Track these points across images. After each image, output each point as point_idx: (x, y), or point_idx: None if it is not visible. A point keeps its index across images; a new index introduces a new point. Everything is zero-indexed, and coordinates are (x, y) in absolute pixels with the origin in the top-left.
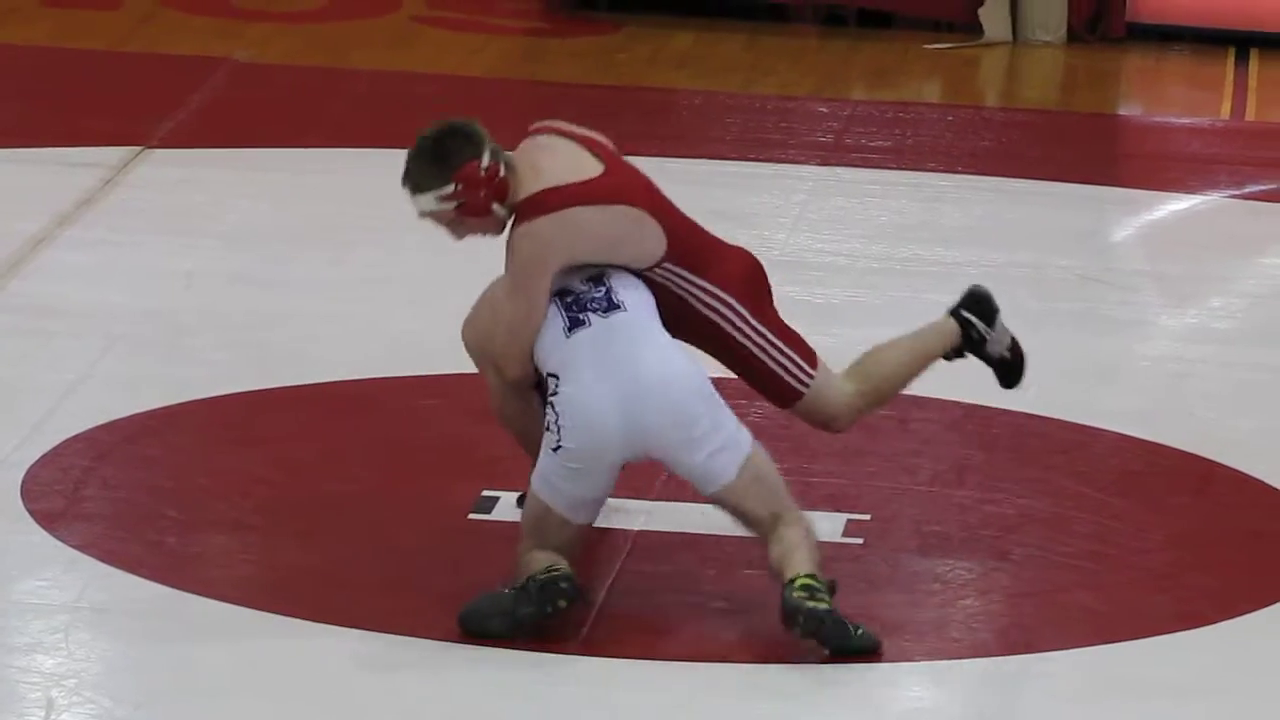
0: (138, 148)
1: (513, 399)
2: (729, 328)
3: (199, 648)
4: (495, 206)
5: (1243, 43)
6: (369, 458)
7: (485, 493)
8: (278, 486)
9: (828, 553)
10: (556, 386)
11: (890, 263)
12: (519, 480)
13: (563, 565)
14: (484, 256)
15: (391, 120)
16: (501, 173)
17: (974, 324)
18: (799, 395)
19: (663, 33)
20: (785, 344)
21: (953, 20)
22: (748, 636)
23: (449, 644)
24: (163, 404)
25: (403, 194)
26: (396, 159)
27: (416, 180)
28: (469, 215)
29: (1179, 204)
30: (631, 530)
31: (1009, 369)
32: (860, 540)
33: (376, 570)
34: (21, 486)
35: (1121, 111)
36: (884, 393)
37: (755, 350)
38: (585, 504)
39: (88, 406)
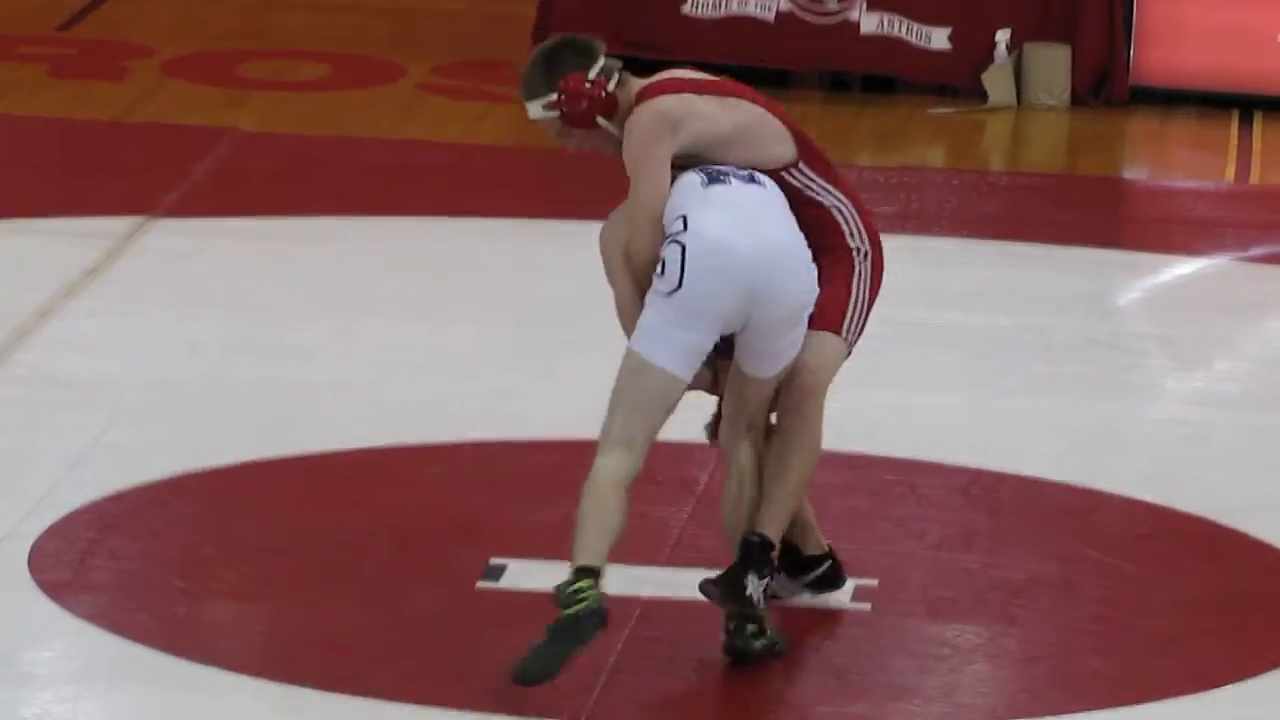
0: (144, 217)
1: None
2: (848, 238)
3: (208, 718)
4: (601, 120)
5: (1247, 105)
6: (376, 526)
7: (493, 561)
8: (285, 556)
9: (835, 618)
10: (684, 224)
11: (896, 327)
12: (526, 547)
13: (589, 593)
14: (491, 328)
15: (396, 188)
16: (610, 87)
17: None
18: (837, 332)
19: None
20: (868, 308)
21: (957, 85)
22: (755, 707)
23: (458, 712)
24: (169, 474)
25: (409, 259)
26: (402, 227)
27: (527, 87)
28: (574, 125)
29: (1185, 267)
30: (640, 597)
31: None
32: (868, 606)
33: (385, 639)
34: (29, 557)
35: (1126, 175)
36: (801, 439)
37: (855, 285)
38: (689, 353)
39: (94, 477)
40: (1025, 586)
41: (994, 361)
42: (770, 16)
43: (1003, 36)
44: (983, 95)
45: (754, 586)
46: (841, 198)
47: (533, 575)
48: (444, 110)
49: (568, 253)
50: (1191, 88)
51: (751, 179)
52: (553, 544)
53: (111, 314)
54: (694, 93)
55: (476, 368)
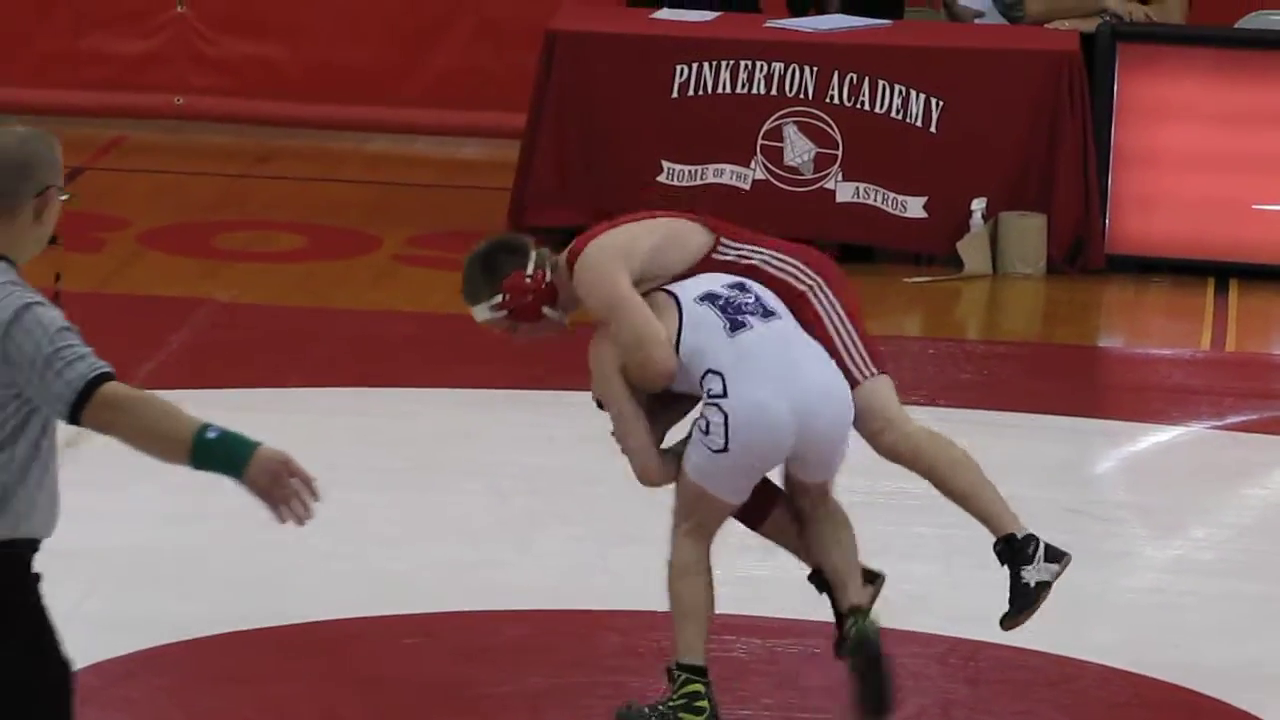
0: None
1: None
2: (795, 282)
3: None
4: (546, 310)
5: (1222, 273)
6: (353, 698)
7: None
8: None
9: None
10: (723, 387)
11: (872, 496)
12: (506, 717)
13: (703, 697)
14: (469, 499)
15: (374, 358)
16: (548, 277)
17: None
18: (855, 383)
19: None
20: (855, 331)
21: (933, 253)
22: None
23: None
24: (144, 646)
25: (386, 430)
26: (380, 398)
27: (470, 293)
28: (521, 320)
29: (1161, 435)
30: None
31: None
32: None
33: None
34: None
35: (1102, 343)
36: (939, 464)
37: (827, 321)
38: (745, 490)
39: (70, 649)
40: None
41: (971, 530)
42: (746, 185)
43: (978, 205)
44: (959, 264)
45: (1034, 574)
46: (767, 250)
47: None
48: (421, 280)
49: (545, 423)
50: (1167, 256)
51: (766, 312)
52: (532, 715)
53: (89, 485)
54: (613, 227)
55: (453, 538)
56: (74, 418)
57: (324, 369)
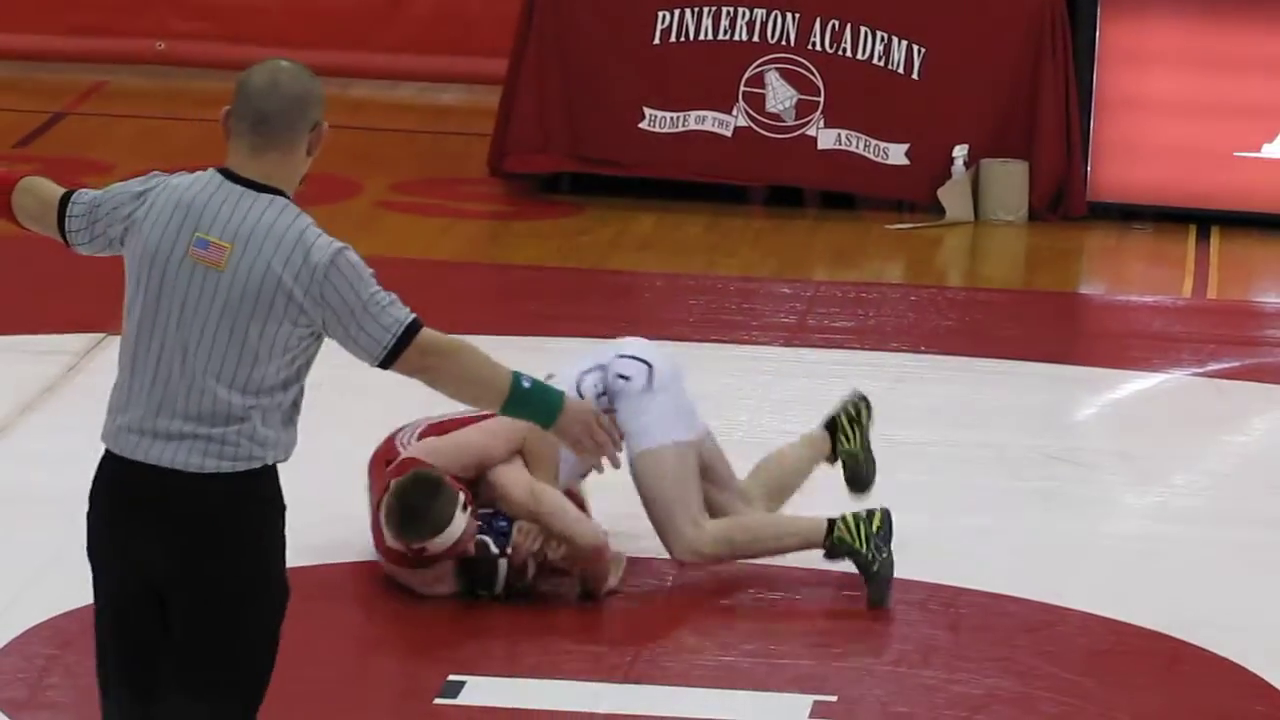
0: (100, 334)
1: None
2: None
3: None
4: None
5: (1204, 220)
6: (333, 643)
7: (451, 677)
8: None
9: None
10: (601, 374)
11: None
12: (485, 664)
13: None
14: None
15: None
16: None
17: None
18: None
19: (625, 215)
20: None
21: (914, 200)
22: None
23: None
24: None
25: (370, 381)
26: None
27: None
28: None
29: (1142, 382)
30: (599, 714)
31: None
32: None
33: None
34: None
35: (1084, 290)
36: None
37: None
38: (689, 412)
39: (52, 594)
40: (984, 702)
41: (952, 477)
42: (728, 132)
43: (960, 152)
44: (940, 211)
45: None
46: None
47: (491, 692)
48: (403, 226)
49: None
50: (1149, 203)
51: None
52: (510, 661)
53: (69, 430)
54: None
55: None
56: (387, 362)
57: None
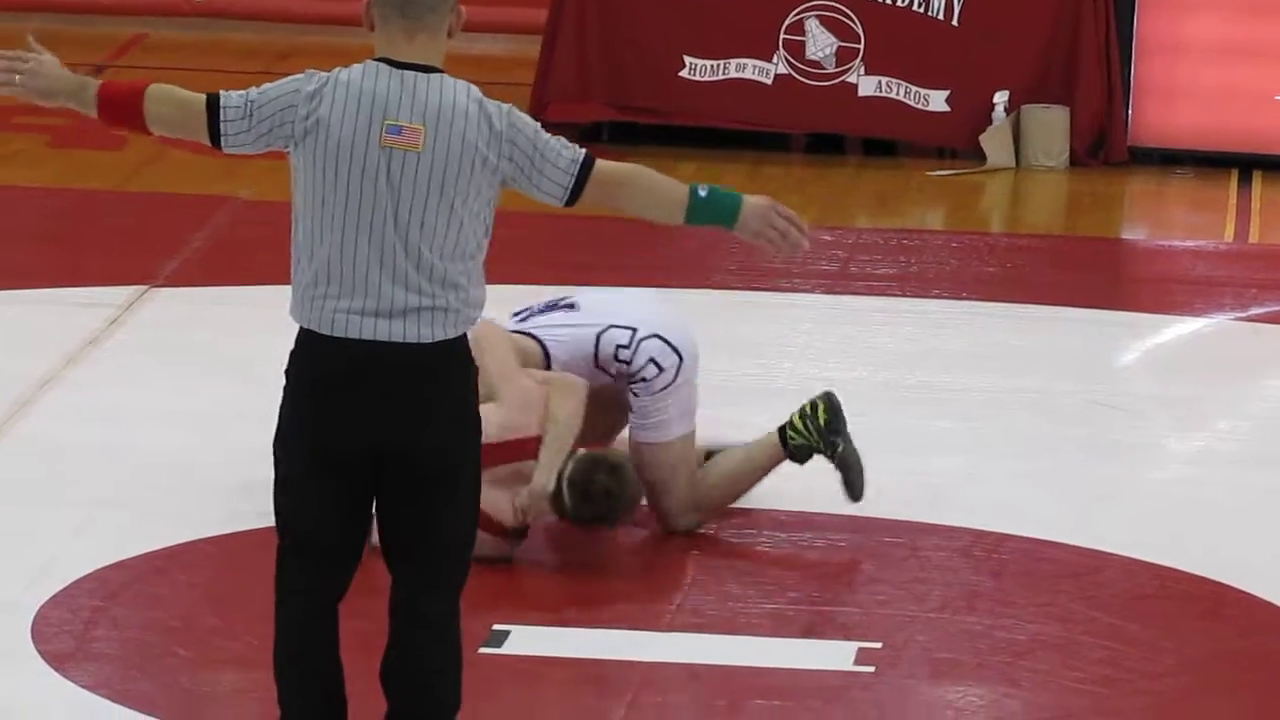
0: (143, 286)
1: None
2: None
3: None
4: None
5: (1245, 165)
6: (379, 593)
7: (496, 626)
8: None
9: (838, 681)
10: (630, 338)
11: (897, 390)
12: (530, 614)
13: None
14: None
15: None
16: None
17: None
18: None
19: (666, 164)
20: None
21: (955, 147)
22: None
23: None
24: (171, 543)
25: None
26: None
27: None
28: None
29: (1184, 327)
30: (641, 662)
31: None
32: (872, 668)
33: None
34: (32, 628)
35: (1125, 235)
36: None
37: None
38: (694, 403)
39: (97, 546)
40: (1028, 648)
41: (994, 423)
42: (769, 80)
43: (1001, 99)
44: (981, 157)
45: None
46: None
47: (536, 641)
48: None
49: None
50: (1190, 148)
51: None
52: (555, 610)
53: (112, 383)
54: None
55: None
56: (571, 200)
57: None
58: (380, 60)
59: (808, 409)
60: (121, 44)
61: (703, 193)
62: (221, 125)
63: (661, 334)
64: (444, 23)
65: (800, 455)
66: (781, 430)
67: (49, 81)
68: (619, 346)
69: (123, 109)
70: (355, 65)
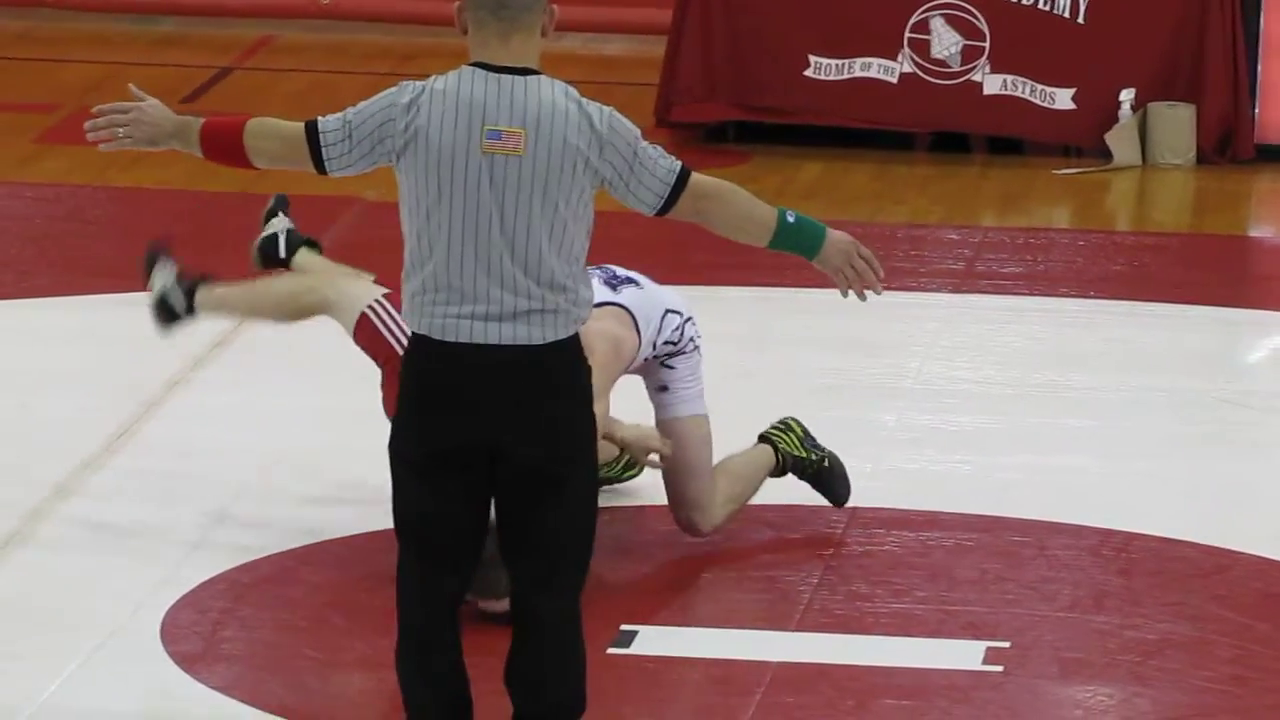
0: None
1: None
2: None
3: None
4: None
5: None
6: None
7: (624, 627)
8: None
9: (966, 681)
10: (680, 320)
11: (1024, 389)
12: (658, 614)
13: None
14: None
15: None
16: None
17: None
18: None
19: (791, 163)
20: None
21: (1081, 145)
22: None
23: None
24: (299, 544)
25: None
26: None
27: None
28: None
29: None
30: (771, 662)
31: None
32: (1000, 668)
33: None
34: (161, 629)
35: (1253, 233)
36: None
37: None
38: None
39: (225, 547)
40: (1158, 647)
41: (1122, 422)
42: (893, 78)
43: (1127, 96)
44: (1107, 155)
45: None
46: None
47: (663, 641)
48: None
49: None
50: None
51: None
52: (682, 611)
53: (239, 385)
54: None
55: None
56: (664, 210)
57: None
58: (476, 65)
59: (781, 426)
60: (248, 46)
61: (791, 219)
62: (323, 150)
63: (693, 318)
64: (538, 23)
65: (790, 468)
66: (768, 441)
67: (153, 130)
68: (674, 329)
69: (225, 148)
70: (450, 72)
